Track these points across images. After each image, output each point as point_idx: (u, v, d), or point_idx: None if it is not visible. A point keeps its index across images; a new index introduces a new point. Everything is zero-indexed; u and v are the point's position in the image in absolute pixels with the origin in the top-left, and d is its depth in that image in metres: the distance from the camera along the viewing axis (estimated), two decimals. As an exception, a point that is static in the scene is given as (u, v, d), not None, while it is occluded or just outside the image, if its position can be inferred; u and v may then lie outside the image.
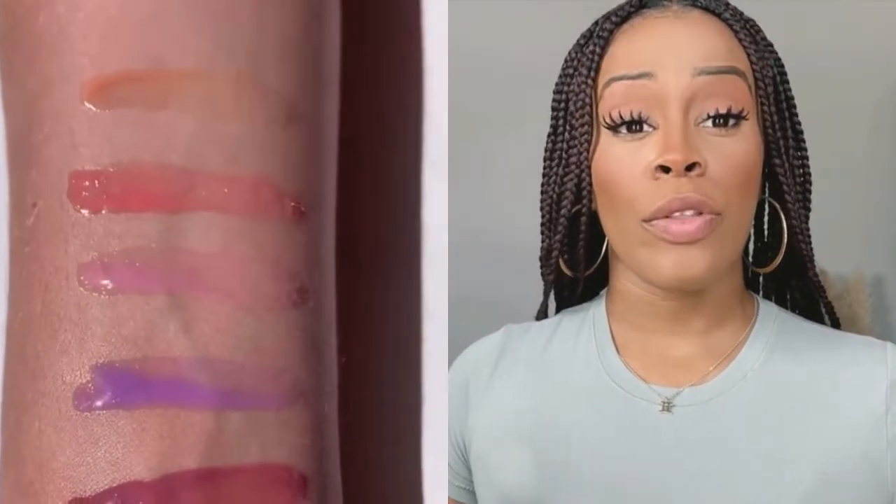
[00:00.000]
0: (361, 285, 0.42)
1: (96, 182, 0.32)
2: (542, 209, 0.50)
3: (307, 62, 0.37)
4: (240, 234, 0.33)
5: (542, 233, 0.50)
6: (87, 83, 0.33)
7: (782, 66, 0.48)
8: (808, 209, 0.49)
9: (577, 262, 0.49)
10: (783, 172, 0.46)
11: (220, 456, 0.32)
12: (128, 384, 0.31)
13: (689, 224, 0.42)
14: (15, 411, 0.33)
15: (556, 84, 0.49)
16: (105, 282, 0.32)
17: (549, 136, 0.49)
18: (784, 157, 0.46)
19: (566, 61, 0.49)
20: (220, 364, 0.32)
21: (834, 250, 0.67)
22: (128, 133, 0.33)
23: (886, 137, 0.80)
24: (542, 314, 0.53)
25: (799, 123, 0.48)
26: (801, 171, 0.48)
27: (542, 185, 0.50)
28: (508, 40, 0.75)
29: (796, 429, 0.43)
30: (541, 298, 0.53)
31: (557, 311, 0.53)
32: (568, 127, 0.47)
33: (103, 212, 0.32)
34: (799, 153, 0.48)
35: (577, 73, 0.47)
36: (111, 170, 0.33)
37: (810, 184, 0.49)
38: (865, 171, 0.79)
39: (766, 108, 0.45)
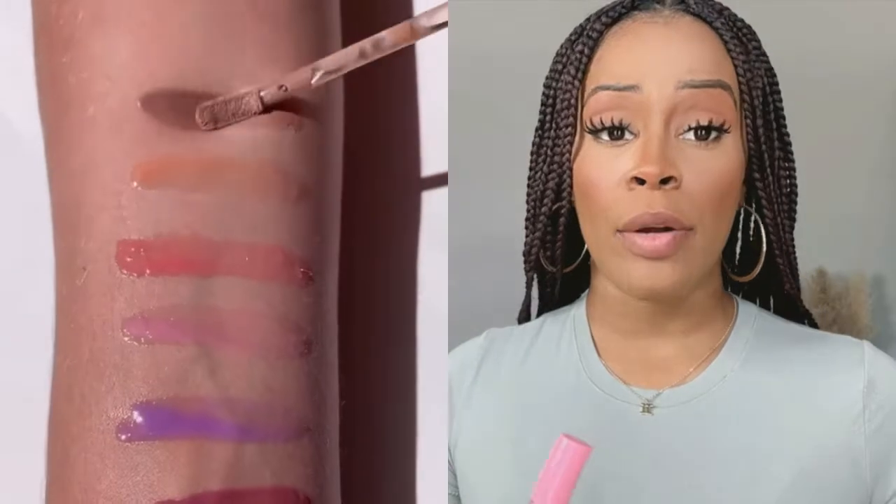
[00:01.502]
0: (359, 340, 0.47)
1: (141, 250, 0.38)
2: (527, 204, 0.49)
3: (317, 147, 0.42)
4: (256, 295, 0.39)
5: (526, 228, 0.50)
6: (136, 167, 0.38)
7: (774, 76, 0.46)
8: (793, 220, 0.48)
9: (555, 259, 0.49)
10: (763, 187, 0.45)
11: (238, 480, 0.37)
12: (162, 419, 0.36)
13: (658, 240, 0.41)
14: (62, 443, 0.38)
15: (546, 79, 0.48)
16: (145, 333, 0.37)
17: (536, 130, 0.49)
18: (767, 170, 0.45)
19: (556, 56, 0.48)
20: (238, 403, 0.37)
21: (834, 250, 0.68)
22: (168, 209, 0.38)
23: (886, 138, 0.78)
24: (524, 312, 0.52)
25: (787, 135, 0.46)
26: (788, 182, 0.46)
27: (529, 179, 0.49)
28: (509, 40, 0.72)
29: (775, 428, 0.43)
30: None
31: (540, 310, 0.52)
32: (554, 125, 0.47)
33: (145, 275, 0.38)
34: (786, 165, 0.46)
35: (565, 70, 0.46)
36: (153, 240, 0.38)
37: (796, 195, 0.47)
38: (865, 172, 0.77)
39: (749, 121, 0.44)
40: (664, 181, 0.41)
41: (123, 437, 0.37)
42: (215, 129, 0.40)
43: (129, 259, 0.38)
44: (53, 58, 0.41)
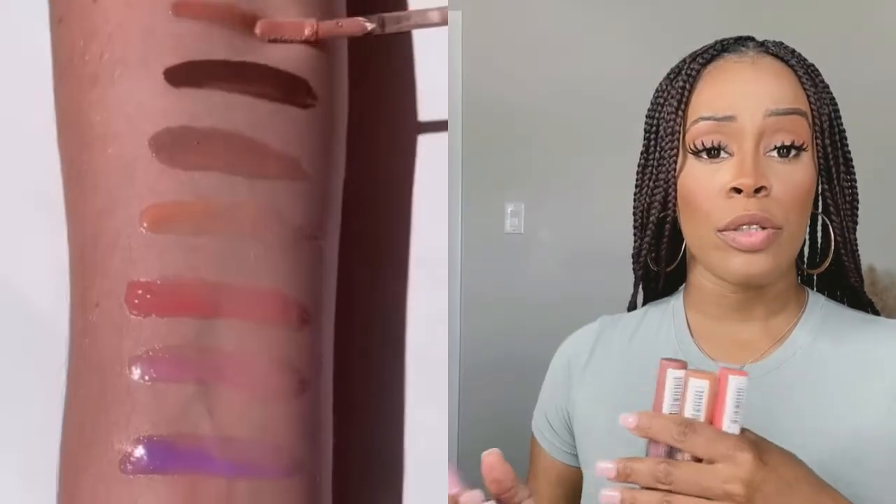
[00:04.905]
0: (355, 380, 0.49)
1: (148, 292, 0.40)
2: (634, 215, 0.62)
3: (316, 194, 0.44)
4: (254, 337, 0.41)
5: (635, 234, 0.62)
6: (144, 211, 0.40)
7: (836, 104, 0.57)
8: (856, 223, 0.58)
9: (660, 260, 0.60)
10: (830, 196, 0.56)
11: None
12: (162, 454, 0.39)
13: (754, 237, 0.52)
14: (73, 471, 0.41)
15: (648, 111, 0.60)
16: (150, 372, 0.39)
17: (641, 154, 0.60)
18: (834, 181, 0.56)
19: (657, 92, 0.59)
20: (233, 442, 0.39)
21: (883, 249, 0.83)
22: (173, 253, 0.40)
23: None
24: (632, 303, 0.65)
25: (849, 153, 0.57)
26: (850, 191, 0.57)
27: (635, 195, 0.62)
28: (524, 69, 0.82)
29: (833, 398, 0.53)
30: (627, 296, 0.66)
31: (645, 301, 0.65)
32: (658, 149, 0.58)
33: (151, 316, 0.40)
34: (848, 177, 0.57)
35: (666, 103, 0.57)
36: (159, 282, 0.40)
37: (857, 202, 0.58)
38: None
39: (819, 141, 0.55)
40: (757, 190, 0.52)
41: (126, 469, 0.39)
42: (270, 41, 0.43)
43: (136, 300, 0.40)
44: (78, 95, 0.42)
